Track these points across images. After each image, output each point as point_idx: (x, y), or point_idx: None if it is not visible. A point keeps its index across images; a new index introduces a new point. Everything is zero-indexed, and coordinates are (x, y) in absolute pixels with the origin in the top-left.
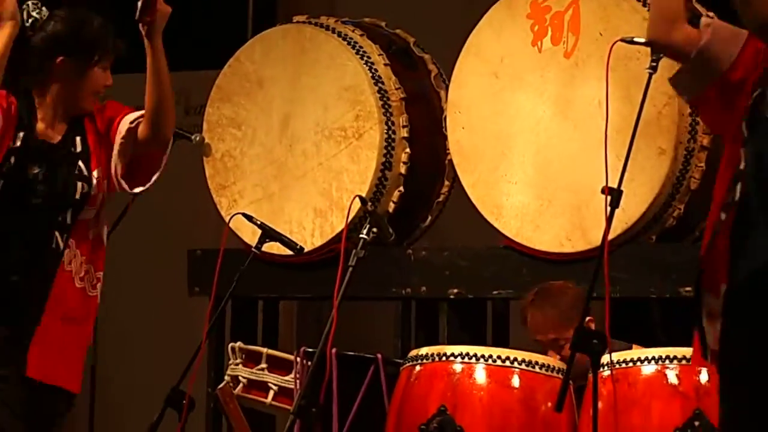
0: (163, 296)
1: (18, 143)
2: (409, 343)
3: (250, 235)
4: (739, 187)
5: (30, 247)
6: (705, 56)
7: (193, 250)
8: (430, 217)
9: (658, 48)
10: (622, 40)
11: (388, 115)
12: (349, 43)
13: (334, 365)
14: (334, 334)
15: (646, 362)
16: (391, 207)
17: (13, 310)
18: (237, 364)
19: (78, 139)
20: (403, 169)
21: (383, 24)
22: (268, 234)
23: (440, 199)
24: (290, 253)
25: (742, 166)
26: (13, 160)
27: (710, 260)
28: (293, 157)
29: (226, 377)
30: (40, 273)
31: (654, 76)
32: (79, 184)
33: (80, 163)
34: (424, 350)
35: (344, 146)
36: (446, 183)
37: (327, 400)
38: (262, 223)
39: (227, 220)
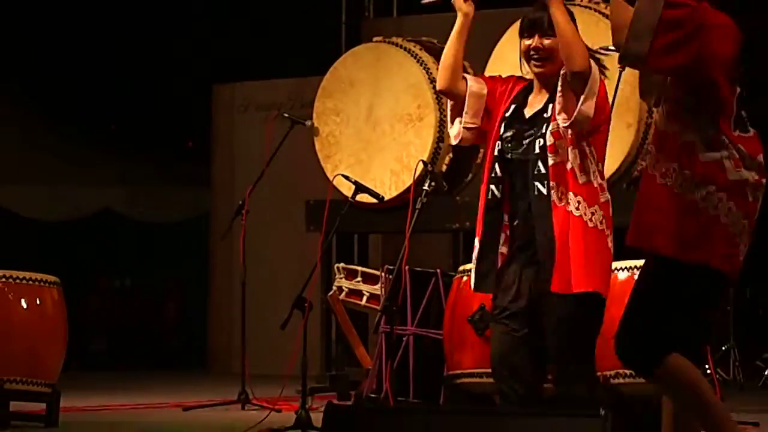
0: (291, 233)
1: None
2: (458, 261)
3: (347, 190)
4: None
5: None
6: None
7: (309, 200)
8: (471, 174)
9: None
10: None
11: (440, 104)
12: (412, 55)
13: (407, 278)
14: (407, 257)
15: (621, 270)
16: (444, 168)
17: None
18: (341, 278)
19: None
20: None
21: (435, 41)
22: (360, 188)
23: (478, 161)
24: (375, 201)
25: None
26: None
27: None
28: (376, 135)
29: (334, 287)
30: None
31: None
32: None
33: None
34: (469, 266)
35: (411, 126)
36: (481, 150)
37: (403, 302)
38: (355, 180)
39: (331, 179)
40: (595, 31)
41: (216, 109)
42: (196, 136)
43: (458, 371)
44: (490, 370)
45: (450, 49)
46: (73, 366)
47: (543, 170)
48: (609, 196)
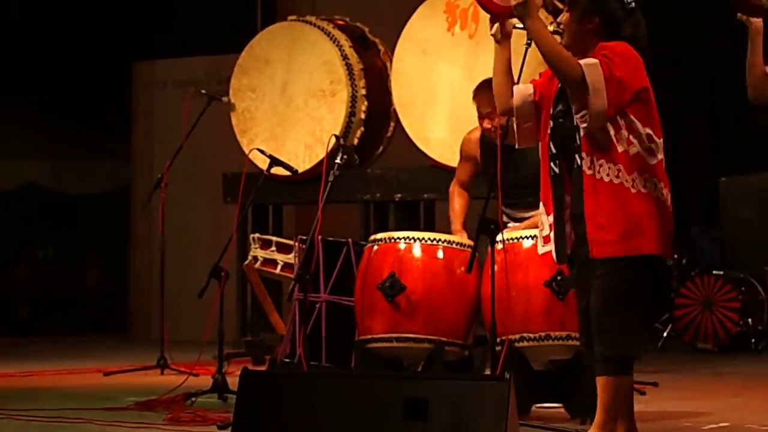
0: (208, 204)
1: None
2: (369, 231)
3: (262, 163)
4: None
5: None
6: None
7: (226, 173)
8: (382, 147)
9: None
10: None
11: (352, 80)
12: (325, 33)
13: (320, 247)
14: (320, 227)
15: (525, 238)
16: (356, 141)
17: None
18: (256, 248)
19: None
20: (363, 116)
21: (347, 19)
22: (274, 161)
23: (388, 135)
24: (289, 174)
25: None
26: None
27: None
28: (290, 110)
29: (249, 257)
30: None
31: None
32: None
33: None
34: (379, 235)
35: (324, 102)
36: (392, 124)
37: (316, 271)
38: (270, 154)
39: (247, 153)
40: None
41: (136, 85)
42: (116, 112)
43: (368, 336)
44: (398, 335)
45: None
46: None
47: (578, 143)
48: (660, 157)
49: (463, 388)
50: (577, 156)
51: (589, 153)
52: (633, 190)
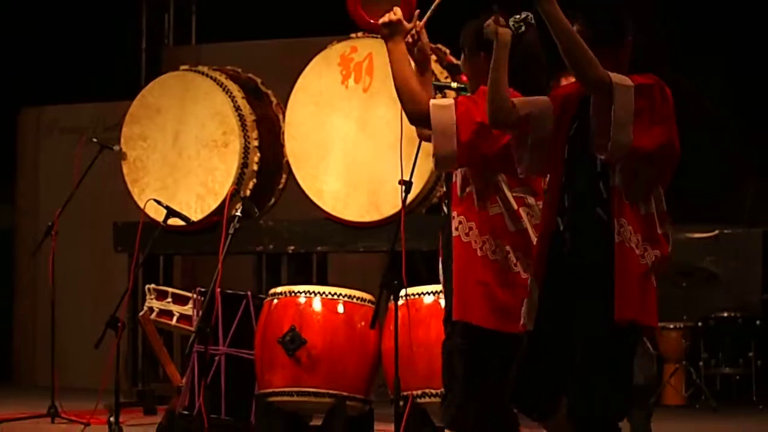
0: (95, 252)
1: None
2: (261, 282)
3: (153, 213)
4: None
5: None
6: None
7: (116, 222)
8: (274, 199)
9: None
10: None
11: (244, 131)
12: (217, 83)
13: (219, 300)
14: (219, 279)
15: (426, 294)
16: (248, 193)
17: None
18: (151, 299)
19: None
20: (255, 167)
21: (240, 70)
22: (171, 212)
23: (280, 187)
24: (182, 224)
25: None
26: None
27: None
28: (182, 160)
29: (145, 307)
30: None
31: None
32: None
33: None
34: (279, 289)
35: (216, 152)
36: (284, 176)
37: (215, 323)
38: (167, 205)
39: (143, 203)
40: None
41: (22, 131)
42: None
43: (269, 390)
44: (298, 389)
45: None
46: None
47: None
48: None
49: None
50: None
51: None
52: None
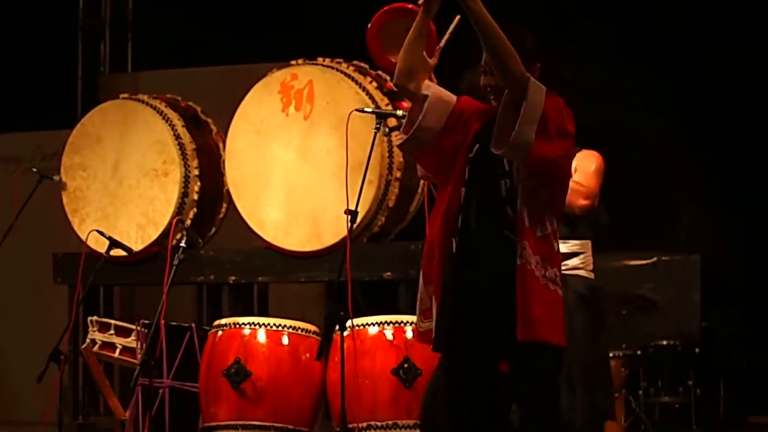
0: (37, 284)
1: None
2: (202, 313)
3: (93, 244)
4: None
5: None
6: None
7: (56, 252)
8: (214, 228)
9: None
10: (357, 110)
11: (185, 160)
12: (157, 111)
13: (163, 332)
14: (163, 311)
15: (371, 325)
16: (189, 222)
17: None
18: (94, 331)
19: None
20: (196, 197)
21: (179, 98)
22: (114, 243)
23: (221, 216)
24: (123, 254)
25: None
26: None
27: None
28: (122, 189)
29: (87, 340)
30: None
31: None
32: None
33: None
34: (223, 320)
35: (156, 182)
36: (225, 206)
37: (159, 356)
38: (109, 236)
39: (84, 234)
40: (337, 90)
41: None
42: None
43: (214, 423)
44: (243, 422)
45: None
46: None
47: None
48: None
49: None
50: None
51: None
52: None
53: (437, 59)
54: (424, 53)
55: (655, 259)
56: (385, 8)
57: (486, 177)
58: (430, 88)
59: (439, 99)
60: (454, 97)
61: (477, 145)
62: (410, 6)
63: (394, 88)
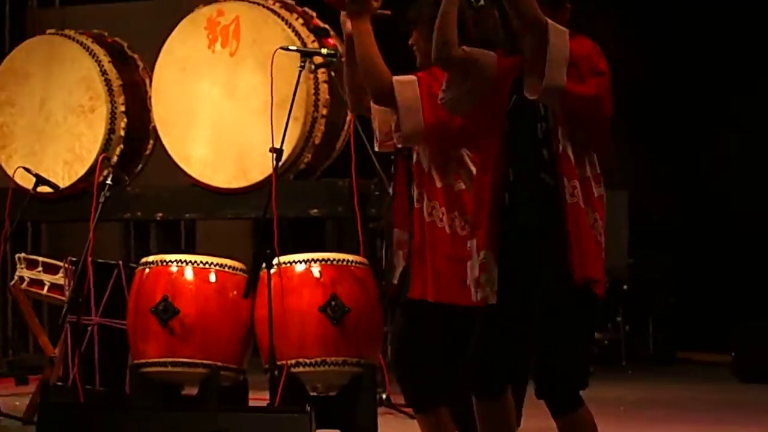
0: None
1: None
2: (130, 250)
3: (20, 179)
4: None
5: None
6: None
7: None
8: (141, 165)
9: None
10: (282, 48)
11: (111, 96)
12: (84, 47)
13: (90, 269)
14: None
15: (298, 263)
16: (116, 159)
17: None
18: (22, 268)
19: None
20: (122, 133)
21: (106, 33)
22: (41, 180)
23: (147, 153)
24: (50, 191)
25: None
26: None
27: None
28: (49, 126)
29: (16, 277)
30: None
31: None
32: None
33: None
34: (150, 258)
35: (83, 118)
36: (151, 142)
37: (87, 293)
38: (36, 173)
39: (11, 170)
40: (263, 27)
41: None
42: None
43: (143, 360)
44: (172, 360)
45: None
46: None
47: None
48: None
49: (266, 421)
50: None
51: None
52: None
53: (380, 4)
54: None
55: None
56: None
57: (523, 123)
58: (471, 49)
59: (484, 57)
60: (493, 55)
61: (514, 96)
62: None
63: (321, 24)
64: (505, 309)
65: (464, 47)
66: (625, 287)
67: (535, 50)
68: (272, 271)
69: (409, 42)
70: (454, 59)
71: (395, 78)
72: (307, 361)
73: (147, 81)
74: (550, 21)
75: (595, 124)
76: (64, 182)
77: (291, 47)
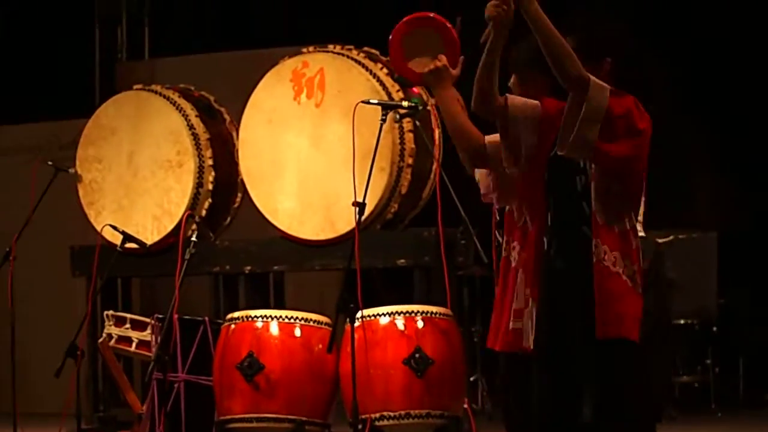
0: (51, 276)
1: None
2: (219, 304)
3: (109, 236)
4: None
5: None
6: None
7: (73, 246)
8: (229, 218)
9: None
10: (363, 101)
11: (199, 150)
12: (171, 102)
13: (176, 326)
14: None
15: (382, 315)
16: (204, 213)
17: None
18: (110, 325)
19: None
20: (210, 187)
21: (192, 88)
22: (127, 237)
23: (236, 206)
24: (137, 247)
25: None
26: None
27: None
28: (137, 181)
29: (104, 334)
30: None
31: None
32: None
33: None
34: (236, 314)
35: (171, 173)
36: (239, 195)
37: (173, 350)
38: (123, 230)
39: (99, 226)
40: (348, 77)
41: None
42: None
43: (228, 416)
44: (258, 415)
45: None
46: None
47: None
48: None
49: None
50: None
51: None
52: None
53: (460, 70)
54: (447, 63)
55: (672, 237)
56: (406, 18)
57: (564, 175)
58: (512, 98)
59: (523, 108)
60: (536, 104)
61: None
62: (432, 15)
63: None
64: (546, 357)
65: (507, 95)
66: (714, 328)
67: (574, 106)
68: (356, 324)
69: (509, 84)
70: (491, 110)
71: (487, 138)
72: (391, 414)
73: (234, 134)
74: (593, 78)
75: (630, 180)
76: (153, 237)
77: (372, 100)
